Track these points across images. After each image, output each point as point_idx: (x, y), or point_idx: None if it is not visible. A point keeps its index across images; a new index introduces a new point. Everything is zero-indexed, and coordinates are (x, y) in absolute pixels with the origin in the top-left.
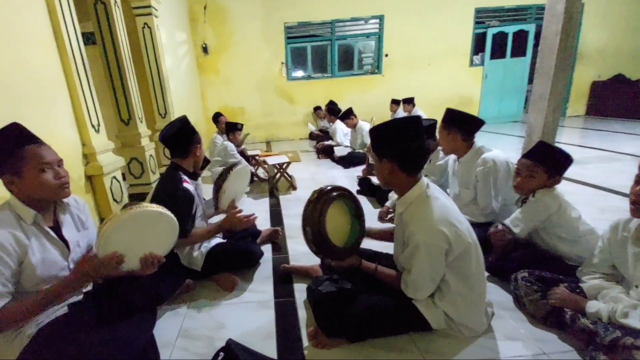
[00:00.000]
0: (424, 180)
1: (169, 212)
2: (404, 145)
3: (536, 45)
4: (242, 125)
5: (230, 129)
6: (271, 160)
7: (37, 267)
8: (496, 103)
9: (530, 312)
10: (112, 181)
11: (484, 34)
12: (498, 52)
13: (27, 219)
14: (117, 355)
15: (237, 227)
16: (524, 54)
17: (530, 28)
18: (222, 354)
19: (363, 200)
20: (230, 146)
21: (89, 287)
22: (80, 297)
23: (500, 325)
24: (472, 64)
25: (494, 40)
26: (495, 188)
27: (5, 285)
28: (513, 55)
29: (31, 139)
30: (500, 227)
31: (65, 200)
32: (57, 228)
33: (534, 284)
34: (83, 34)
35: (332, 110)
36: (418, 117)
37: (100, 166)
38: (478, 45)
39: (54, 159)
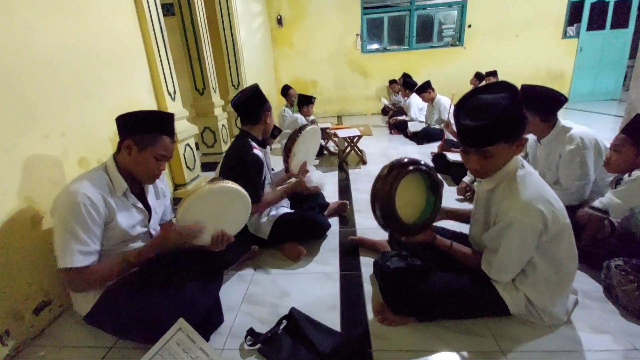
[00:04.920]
0: (517, 156)
1: (246, 193)
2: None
3: None
4: (314, 98)
5: (303, 102)
6: (342, 133)
7: (122, 228)
8: (591, 79)
9: (623, 304)
10: (185, 148)
11: (581, 3)
12: (596, 22)
13: (118, 190)
14: (182, 314)
15: (304, 191)
16: (625, 25)
17: None
18: (285, 321)
19: None
20: (301, 118)
21: None
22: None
23: (586, 316)
24: (565, 35)
25: (592, 10)
26: (582, 169)
27: (95, 243)
28: (613, 26)
29: (172, 134)
30: (587, 209)
31: None
32: (142, 195)
33: (629, 273)
34: (163, 5)
35: (408, 84)
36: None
37: (175, 133)
38: (573, 14)
39: (170, 157)
